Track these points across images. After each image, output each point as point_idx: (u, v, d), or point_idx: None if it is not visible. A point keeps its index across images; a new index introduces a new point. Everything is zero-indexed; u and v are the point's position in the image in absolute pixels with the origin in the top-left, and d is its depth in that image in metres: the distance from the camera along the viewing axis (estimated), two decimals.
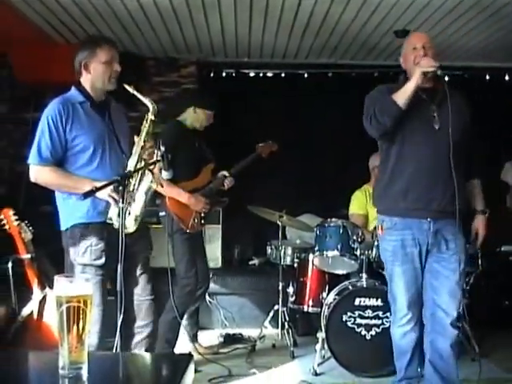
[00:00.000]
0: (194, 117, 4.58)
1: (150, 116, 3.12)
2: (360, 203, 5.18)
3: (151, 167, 3.03)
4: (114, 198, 2.94)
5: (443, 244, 3.38)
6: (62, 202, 3.19)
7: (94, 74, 3.20)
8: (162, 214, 4.42)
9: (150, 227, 3.53)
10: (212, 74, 7.01)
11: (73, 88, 3.25)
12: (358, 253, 4.46)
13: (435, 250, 3.40)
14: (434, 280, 3.41)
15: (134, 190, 3.02)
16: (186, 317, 4.59)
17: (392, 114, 3.25)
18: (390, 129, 3.32)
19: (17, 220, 3.88)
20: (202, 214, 4.44)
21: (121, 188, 2.76)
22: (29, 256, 3.87)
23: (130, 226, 3.03)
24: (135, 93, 3.16)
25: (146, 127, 3.12)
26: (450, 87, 3.34)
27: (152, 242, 3.44)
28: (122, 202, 2.76)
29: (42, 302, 3.79)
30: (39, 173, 3.11)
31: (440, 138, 3.28)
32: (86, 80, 3.23)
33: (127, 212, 2.98)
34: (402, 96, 3.23)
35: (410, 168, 3.36)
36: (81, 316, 1.50)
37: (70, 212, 3.15)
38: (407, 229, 3.39)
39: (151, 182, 3.02)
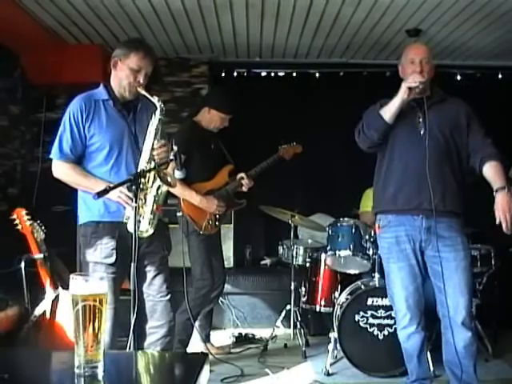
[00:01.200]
0: (208, 117, 4.54)
1: (158, 115, 3.10)
2: (371, 201, 5.16)
3: (163, 167, 3.03)
4: (123, 200, 2.96)
5: (439, 241, 3.37)
6: (80, 198, 3.23)
7: (118, 75, 3.18)
8: (179, 214, 4.40)
9: (169, 227, 3.49)
10: (223, 74, 7.00)
11: (101, 85, 3.25)
12: (370, 252, 4.46)
13: (431, 248, 3.41)
14: (438, 281, 3.42)
15: (146, 193, 3.02)
16: (199, 318, 4.58)
17: (378, 128, 3.41)
18: (378, 141, 3.47)
19: (29, 220, 3.89)
20: (217, 216, 4.43)
21: (134, 188, 2.74)
22: (41, 256, 3.87)
23: (146, 230, 3.04)
24: (143, 92, 3.13)
25: (154, 126, 3.10)
26: (447, 94, 3.57)
27: (171, 242, 3.42)
28: (135, 202, 2.75)
29: (55, 301, 3.79)
30: (59, 168, 3.15)
31: (425, 142, 3.36)
32: (112, 78, 3.23)
33: (141, 216, 2.99)
34: (389, 111, 3.37)
35: (400, 171, 3.47)
36: (96, 315, 1.51)
37: (85, 209, 3.19)
38: (401, 225, 3.47)
39: (160, 186, 3.01)
